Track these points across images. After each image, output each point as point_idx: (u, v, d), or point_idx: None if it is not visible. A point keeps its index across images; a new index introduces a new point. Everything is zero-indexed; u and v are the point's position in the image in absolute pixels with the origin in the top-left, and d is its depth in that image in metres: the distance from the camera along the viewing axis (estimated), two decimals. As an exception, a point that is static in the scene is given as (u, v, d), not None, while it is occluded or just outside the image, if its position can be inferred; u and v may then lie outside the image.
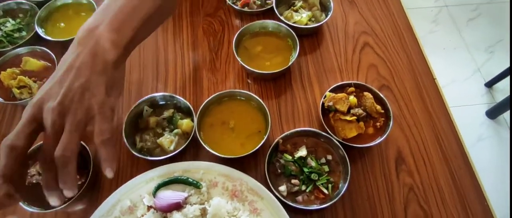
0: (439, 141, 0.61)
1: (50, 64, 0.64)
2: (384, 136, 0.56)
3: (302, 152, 0.56)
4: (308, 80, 0.66)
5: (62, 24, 0.71)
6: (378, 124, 0.58)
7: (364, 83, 0.60)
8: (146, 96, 0.60)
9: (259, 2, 0.72)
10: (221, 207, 0.51)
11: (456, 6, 2.12)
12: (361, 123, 0.57)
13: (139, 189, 0.54)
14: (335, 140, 0.55)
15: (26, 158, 0.38)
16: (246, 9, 0.72)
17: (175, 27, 0.73)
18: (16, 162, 0.36)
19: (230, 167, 0.54)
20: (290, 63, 0.62)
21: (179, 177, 0.54)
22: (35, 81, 0.62)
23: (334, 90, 0.60)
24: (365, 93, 0.59)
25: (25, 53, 0.65)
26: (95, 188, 0.57)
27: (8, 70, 0.62)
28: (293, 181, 0.54)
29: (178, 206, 0.51)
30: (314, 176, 0.54)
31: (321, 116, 0.57)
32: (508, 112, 1.68)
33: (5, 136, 0.35)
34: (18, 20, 0.72)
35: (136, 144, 0.58)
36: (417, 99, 0.64)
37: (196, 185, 0.53)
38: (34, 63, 0.63)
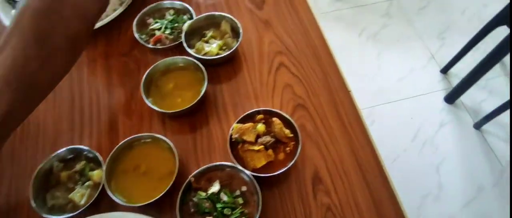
0: (356, 156, 0.61)
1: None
2: (293, 162, 0.56)
3: (215, 187, 0.55)
4: (224, 111, 0.66)
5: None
6: (288, 148, 0.58)
7: (271, 109, 0.60)
8: (54, 153, 0.59)
9: (172, 37, 0.72)
10: (134, 258, 0.50)
11: (405, -3, 2.16)
12: (270, 151, 0.57)
13: (50, 251, 0.53)
14: (245, 172, 0.55)
15: None
16: (158, 46, 0.71)
17: (89, 73, 0.72)
18: None
19: (143, 214, 0.54)
20: (198, 98, 0.62)
21: (92, 232, 0.53)
22: None
23: (244, 120, 0.60)
24: (274, 119, 0.59)
25: None
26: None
27: None
28: (206, 218, 0.54)
29: (88, 264, 0.50)
30: (227, 211, 0.54)
31: (229, 150, 0.57)
32: (465, 95, 1.71)
33: None
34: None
35: (47, 203, 0.56)
36: (334, 115, 0.65)
37: (108, 239, 0.52)
38: None
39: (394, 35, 2.01)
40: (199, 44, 0.69)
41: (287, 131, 0.59)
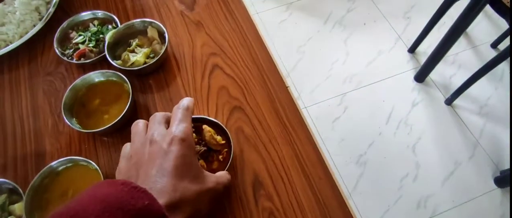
0: (297, 153, 0.58)
1: None
2: (225, 169, 0.53)
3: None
4: (156, 122, 0.62)
5: None
6: (221, 156, 0.55)
7: (201, 116, 0.57)
8: (-32, 190, 0.55)
9: (97, 49, 0.68)
10: None
11: (367, -20, 2.14)
12: (201, 161, 0.54)
13: None
14: (175, 187, 0.52)
15: None
16: (82, 60, 0.67)
17: (12, 96, 0.68)
18: None
19: (70, 245, 0.50)
20: (123, 112, 0.58)
21: None
22: None
23: None
24: (204, 126, 0.56)
25: None
26: None
27: None
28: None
29: None
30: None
31: None
32: (434, 72, 1.70)
33: None
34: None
35: (-33, 245, 0.52)
36: (271, 114, 0.62)
37: None
38: None
39: (359, 19, 1.99)
40: (124, 54, 0.65)
41: (218, 138, 0.55)
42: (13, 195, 0.56)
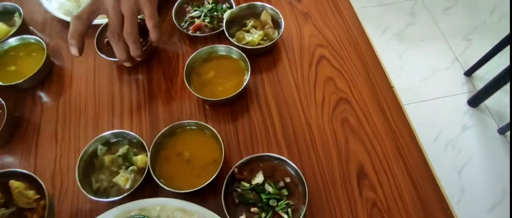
0: (400, 151, 0.60)
1: (0, 111, 0.63)
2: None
3: (259, 178, 0.55)
4: (265, 101, 0.65)
5: (13, 67, 0.70)
6: (36, 215, 0.50)
7: (7, 170, 0.53)
8: (98, 136, 0.59)
9: (211, 25, 0.71)
10: (179, 244, 0.50)
11: (431, -3, 2.12)
12: None
13: (95, 234, 0.53)
14: (290, 163, 0.55)
15: (86, 30, 0.59)
16: (198, 33, 0.71)
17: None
18: (81, 29, 0.58)
19: (187, 201, 0.53)
20: (242, 87, 0.61)
21: (136, 217, 0.53)
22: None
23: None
24: (11, 182, 0.50)
25: (-26, 102, 0.64)
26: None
27: (-44, 122, 0.60)
28: (252, 209, 0.53)
29: (134, 248, 0.50)
30: (272, 202, 0.53)
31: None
32: (490, 98, 1.68)
33: None
34: (-33, 66, 0.71)
35: (92, 186, 0.56)
36: (376, 110, 0.64)
37: (152, 224, 0.52)
38: (-17, 112, 0.62)
39: (418, 35, 1.98)
40: (239, 34, 0.69)
41: (30, 193, 0.49)
42: (134, 148, 0.60)
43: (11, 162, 0.63)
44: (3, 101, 0.63)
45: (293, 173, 0.56)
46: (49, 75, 0.73)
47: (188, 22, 0.73)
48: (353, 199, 0.56)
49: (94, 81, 0.71)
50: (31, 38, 0.72)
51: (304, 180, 0.53)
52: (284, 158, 0.55)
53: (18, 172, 0.53)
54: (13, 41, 0.72)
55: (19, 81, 0.66)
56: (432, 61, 1.89)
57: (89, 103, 0.68)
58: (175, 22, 0.72)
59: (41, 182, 0.52)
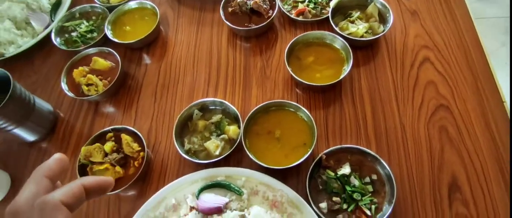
0: (504, 174, 0.55)
1: (115, 65, 0.70)
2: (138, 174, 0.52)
3: (346, 170, 0.54)
4: (359, 95, 0.64)
5: (128, 27, 0.77)
6: (136, 162, 0.59)
7: (121, 126, 0.62)
8: (198, 101, 0.63)
9: (314, 12, 0.71)
10: (260, 216, 0.51)
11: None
12: (117, 167, 0.58)
13: (183, 189, 0.56)
14: (381, 160, 0.53)
15: None
16: (300, 18, 0.71)
17: (229, 33, 0.75)
18: None
19: (272, 177, 0.55)
20: (342, 77, 0.61)
21: (222, 182, 0.56)
22: (101, 79, 0.68)
23: (95, 140, 0.61)
24: (122, 134, 0.61)
25: (95, 54, 0.72)
26: (145, 181, 0.61)
27: (80, 68, 0.68)
28: (334, 198, 0.53)
29: (218, 210, 0.53)
30: (356, 196, 0.53)
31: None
32: None
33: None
34: (91, 22, 0.80)
35: (185, 145, 0.61)
36: (481, 125, 0.59)
37: (237, 192, 0.55)
38: (101, 63, 0.69)
39: None
40: (343, 23, 0.68)
41: (134, 145, 0.60)
42: (227, 118, 0.62)
43: (115, 112, 0.70)
44: (118, 57, 0.70)
45: (381, 171, 0.54)
46: (156, 39, 0.78)
47: (291, 6, 0.73)
48: (441, 209, 0.53)
49: (194, 51, 0.75)
50: (147, 3, 0.78)
51: (394, 181, 0.51)
52: (377, 156, 0.54)
53: (129, 129, 0.62)
54: (132, 4, 0.79)
55: (132, 41, 0.73)
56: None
57: (187, 71, 0.73)
58: (279, 3, 0.73)
59: (143, 139, 0.60)
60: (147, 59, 0.77)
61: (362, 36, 0.66)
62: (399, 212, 0.53)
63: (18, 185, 0.63)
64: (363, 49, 0.68)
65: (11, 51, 0.78)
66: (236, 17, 0.73)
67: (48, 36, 0.78)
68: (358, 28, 0.66)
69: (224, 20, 0.71)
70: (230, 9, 0.73)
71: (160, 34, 0.79)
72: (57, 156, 0.34)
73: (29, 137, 0.65)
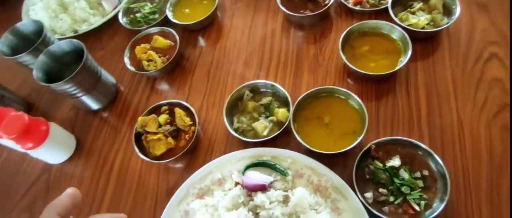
0: None
1: (173, 44, 0.74)
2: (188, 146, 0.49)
3: (395, 162, 0.53)
4: (414, 87, 0.61)
5: (187, 10, 0.81)
6: (187, 135, 0.62)
7: (176, 101, 0.65)
8: (249, 82, 0.64)
9: (373, 1, 0.70)
10: (304, 198, 0.52)
11: None
12: (169, 139, 0.61)
13: (230, 165, 0.58)
14: (435, 155, 0.51)
15: None
16: (358, 8, 0.70)
17: (284, 20, 0.76)
18: None
19: (318, 162, 0.55)
20: (398, 67, 0.59)
21: (268, 162, 0.57)
22: (160, 57, 0.72)
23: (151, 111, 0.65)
24: (176, 108, 0.65)
25: (156, 33, 0.76)
26: (194, 155, 0.63)
27: (142, 45, 0.73)
28: (380, 190, 0.52)
29: (263, 188, 0.54)
30: (405, 189, 0.51)
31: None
32: None
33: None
34: (154, 4, 0.85)
35: (233, 124, 0.62)
36: (552, 128, 0.54)
37: (282, 172, 0.55)
38: (161, 42, 0.74)
39: None
40: (403, 14, 0.66)
41: (187, 119, 0.63)
42: (276, 101, 0.63)
43: (169, 89, 0.74)
44: (177, 36, 0.73)
45: (434, 167, 0.52)
46: (212, 23, 0.81)
47: (349, -5, 0.72)
48: (498, 214, 0.50)
49: (249, 36, 0.77)
50: (207, -13, 0.82)
51: (448, 179, 0.49)
52: (430, 150, 0.51)
53: (183, 104, 0.65)
54: (192, -14, 0.83)
55: (190, 23, 0.76)
56: None
57: (241, 54, 0.75)
58: (338, -5, 0.72)
59: (196, 115, 0.63)
60: (202, 41, 0.80)
61: (423, 28, 0.63)
62: (451, 211, 0.51)
63: (82, 146, 0.69)
64: (422, 42, 0.65)
65: (83, 28, 0.85)
66: (292, 4, 0.73)
67: (116, 16, 0.85)
68: (419, 19, 0.63)
69: (280, 6, 0.72)
70: (286, -4, 0.74)
71: (217, 18, 0.82)
72: (70, 191, 0.35)
73: (94, 105, 0.71)
